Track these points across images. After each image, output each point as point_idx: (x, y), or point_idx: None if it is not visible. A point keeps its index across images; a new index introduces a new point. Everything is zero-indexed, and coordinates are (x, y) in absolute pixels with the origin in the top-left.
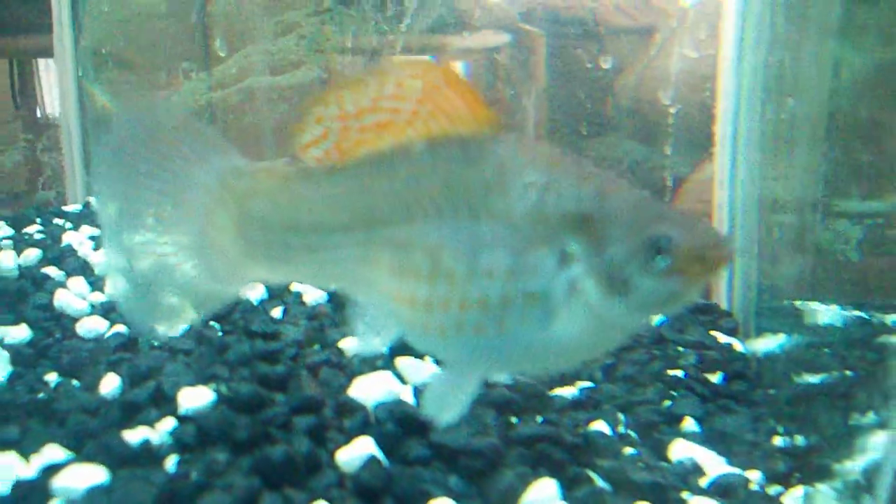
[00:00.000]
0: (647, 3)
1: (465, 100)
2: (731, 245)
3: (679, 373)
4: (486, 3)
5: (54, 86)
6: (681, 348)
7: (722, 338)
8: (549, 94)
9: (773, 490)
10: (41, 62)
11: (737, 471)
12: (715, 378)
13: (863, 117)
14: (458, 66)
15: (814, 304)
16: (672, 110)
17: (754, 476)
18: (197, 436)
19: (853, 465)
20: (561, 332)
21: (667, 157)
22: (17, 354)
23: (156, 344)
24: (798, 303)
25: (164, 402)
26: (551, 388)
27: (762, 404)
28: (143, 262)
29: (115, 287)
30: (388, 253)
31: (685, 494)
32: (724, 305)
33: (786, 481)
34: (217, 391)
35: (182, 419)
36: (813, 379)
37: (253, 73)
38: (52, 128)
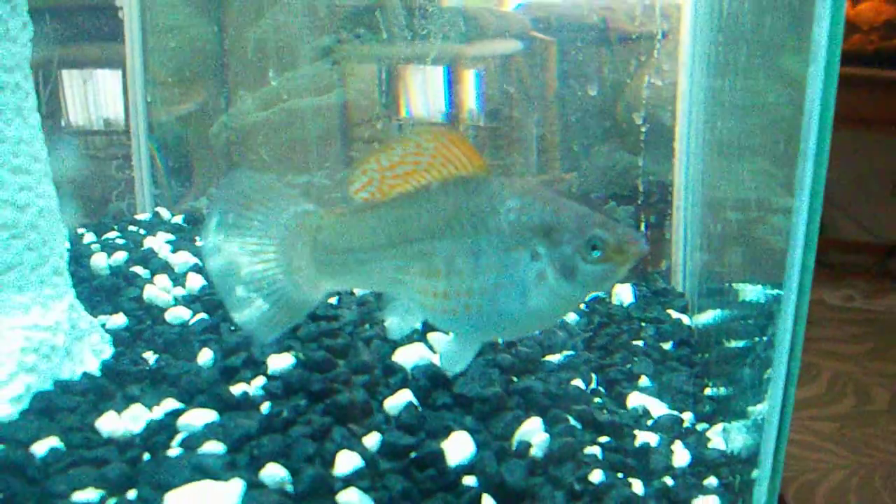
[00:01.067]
0: (655, 10)
1: (464, 152)
2: (644, 241)
3: (640, 343)
4: (499, 11)
5: (77, 96)
6: (643, 323)
7: (675, 314)
8: (560, 102)
9: (700, 427)
10: (64, 73)
11: (675, 413)
12: (667, 346)
13: (792, 126)
14: (472, 74)
15: (744, 285)
16: (643, 128)
17: (687, 416)
18: (283, 388)
19: (761, 408)
20: (533, 306)
21: (639, 166)
22: (118, 337)
23: (233, 328)
24: (734, 284)
25: (254, 367)
26: (543, 355)
27: (698, 364)
28: (253, 284)
29: (235, 306)
30: (416, 261)
31: (635, 431)
32: (679, 288)
33: (710, 420)
34: (296, 357)
35: (270, 377)
36: (736, 344)
37: (294, 94)
38: (84, 136)
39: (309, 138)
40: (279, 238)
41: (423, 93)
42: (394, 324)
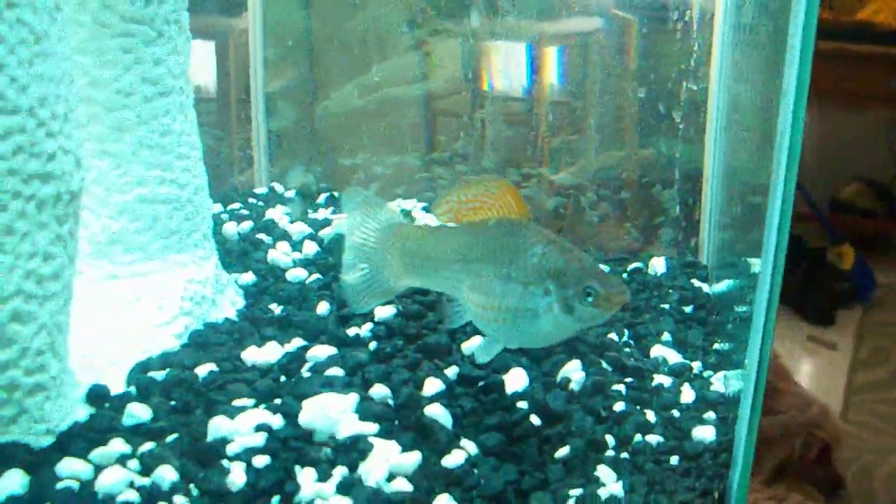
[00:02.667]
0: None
1: (514, 201)
2: (627, 293)
3: (666, 306)
4: None
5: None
6: (670, 290)
7: (697, 283)
8: (639, 81)
9: (706, 374)
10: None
11: (687, 362)
12: (688, 309)
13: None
14: (553, 51)
15: (750, 259)
16: (681, 125)
17: (696, 365)
18: (386, 332)
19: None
20: (542, 329)
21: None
22: (248, 292)
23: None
24: (743, 259)
25: (363, 316)
26: None
27: (711, 324)
28: (362, 273)
29: (349, 286)
30: (469, 276)
31: (654, 375)
32: (704, 261)
33: (715, 369)
34: (397, 308)
35: (377, 323)
36: (739, 308)
37: (388, 84)
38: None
39: (401, 124)
40: (381, 240)
41: (506, 69)
42: (451, 317)
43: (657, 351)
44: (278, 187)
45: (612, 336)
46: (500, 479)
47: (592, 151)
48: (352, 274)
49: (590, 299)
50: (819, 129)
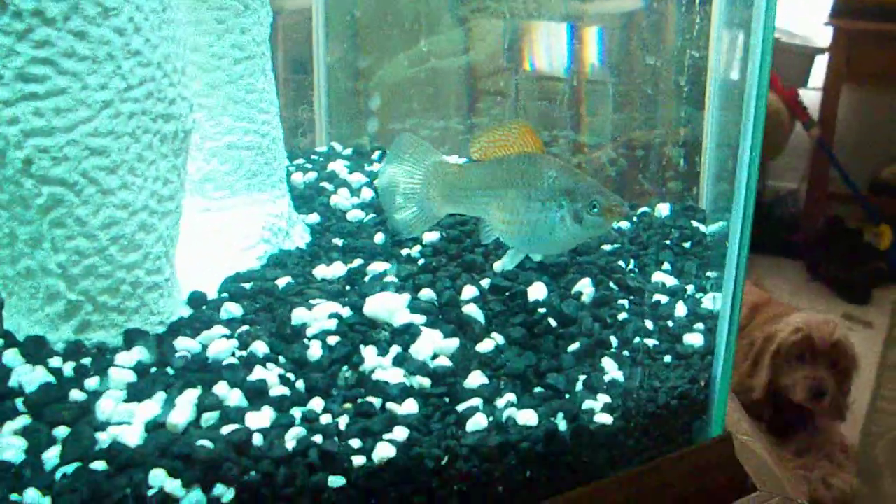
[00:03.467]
0: None
1: (532, 139)
2: (626, 207)
3: (668, 241)
4: None
5: None
6: (672, 229)
7: (696, 224)
8: (676, 60)
9: (698, 295)
10: None
11: (682, 285)
12: (686, 244)
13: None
14: (594, 31)
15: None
16: (685, 88)
17: (690, 287)
18: (433, 251)
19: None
20: (556, 238)
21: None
22: (313, 229)
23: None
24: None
25: (414, 241)
26: (601, 245)
27: (706, 258)
28: (408, 203)
29: (394, 217)
30: (496, 200)
31: (653, 294)
32: (703, 206)
33: (705, 291)
34: (441, 234)
35: (424, 245)
36: (727, 243)
37: (436, 56)
38: None
39: (447, 92)
40: (424, 176)
41: (546, 49)
42: (483, 235)
43: (657, 277)
44: (337, 146)
45: (620, 263)
46: (521, 362)
47: (623, 125)
48: (403, 210)
49: (595, 210)
50: (860, 109)
